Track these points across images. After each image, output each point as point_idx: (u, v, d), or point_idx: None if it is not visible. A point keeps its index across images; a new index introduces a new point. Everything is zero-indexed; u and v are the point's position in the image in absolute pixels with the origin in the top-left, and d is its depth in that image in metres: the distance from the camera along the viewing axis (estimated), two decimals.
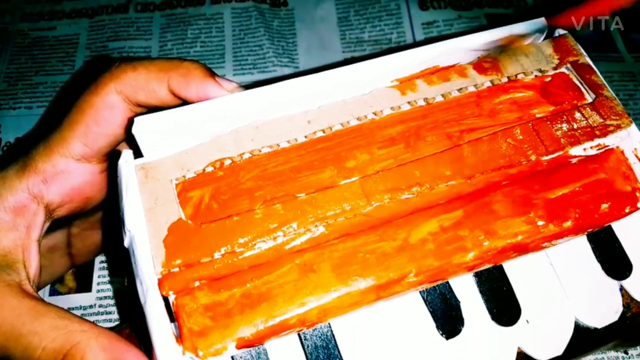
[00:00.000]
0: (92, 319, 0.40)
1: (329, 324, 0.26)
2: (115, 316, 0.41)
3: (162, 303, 0.24)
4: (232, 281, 0.25)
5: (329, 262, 0.25)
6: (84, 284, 0.42)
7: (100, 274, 0.43)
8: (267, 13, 0.58)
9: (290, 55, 0.56)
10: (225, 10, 0.58)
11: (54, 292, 0.41)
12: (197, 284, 0.25)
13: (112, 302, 0.41)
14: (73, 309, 0.41)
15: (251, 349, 0.25)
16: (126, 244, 0.26)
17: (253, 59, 0.55)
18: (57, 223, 0.31)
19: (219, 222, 0.26)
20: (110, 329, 0.27)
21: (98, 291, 0.42)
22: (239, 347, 0.24)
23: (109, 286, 0.42)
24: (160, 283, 0.24)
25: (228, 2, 0.59)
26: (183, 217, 0.26)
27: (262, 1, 0.59)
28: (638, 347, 0.39)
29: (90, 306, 0.41)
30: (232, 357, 0.25)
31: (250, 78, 0.54)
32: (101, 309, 0.41)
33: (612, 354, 0.39)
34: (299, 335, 0.26)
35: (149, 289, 0.24)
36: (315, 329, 0.26)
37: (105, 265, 0.43)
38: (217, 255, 0.25)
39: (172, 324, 0.24)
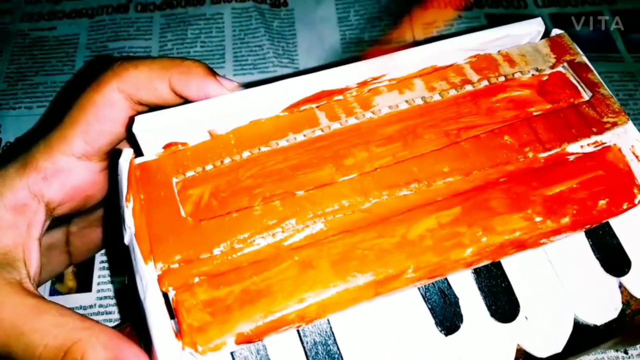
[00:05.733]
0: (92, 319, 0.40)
1: (328, 320, 0.26)
2: (116, 316, 0.41)
3: (162, 299, 0.24)
4: (232, 277, 0.25)
5: (328, 259, 0.25)
6: (84, 284, 0.42)
7: (100, 274, 0.43)
8: (267, 13, 0.59)
9: (290, 56, 0.56)
10: (226, 11, 0.58)
11: (53, 292, 0.41)
12: (196, 280, 0.25)
13: (112, 302, 0.41)
14: (73, 309, 0.40)
15: (250, 344, 0.25)
16: (126, 240, 0.26)
17: (253, 59, 0.55)
18: (56, 221, 0.31)
19: (218, 218, 0.26)
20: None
21: (98, 291, 0.42)
22: (238, 342, 0.24)
23: (109, 286, 0.42)
24: (160, 279, 0.25)
25: (228, 2, 0.59)
26: (183, 214, 0.26)
27: (262, 1, 0.59)
28: (638, 347, 0.39)
29: (91, 306, 0.41)
30: (232, 353, 0.25)
31: (250, 78, 0.54)
32: (101, 309, 0.41)
33: (612, 353, 0.39)
34: (298, 331, 0.26)
35: (148, 285, 0.24)
36: (315, 325, 0.26)
37: (105, 265, 0.43)
38: (216, 251, 0.25)
39: (172, 320, 0.25)
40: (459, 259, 0.26)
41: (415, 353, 0.26)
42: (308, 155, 0.28)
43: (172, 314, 0.24)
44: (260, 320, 0.24)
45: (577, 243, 0.29)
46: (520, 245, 0.27)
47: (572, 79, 0.31)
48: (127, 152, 0.27)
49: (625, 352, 0.39)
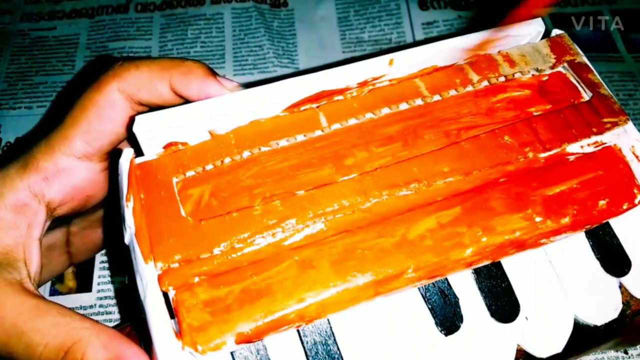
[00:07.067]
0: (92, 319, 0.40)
1: (328, 320, 0.26)
2: (116, 316, 0.41)
3: (162, 298, 0.25)
4: (232, 277, 0.25)
5: (328, 259, 0.25)
6: (84, 284, 0.42)
7: (100, 274, 0.43)
8: (267, 13, 0.59)
9: (290, 56, 0.56)
10: (226, 11, 0.58)
11: (54, 292, 0.41)
12: (196, 279, 0.25)
13: (112, 302, 0.41)
14: (73, 309, 0.40)
15: (250, 344, 0.25)
16: (127, 240, 0.26)
17: (253, 59, 0.55)
18: (56, 221, 0.31)
19: (219, 218, 0.26)
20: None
21: (98, 291, 0.42)
22: (238, 342, 0.24)
23: (109, 286, 0.42)
24: (160, 278, 0.25)
25: (228, 3, 0.59)
26: (183, 213, 0.26)
27: (262, 1, 0.59)
28: (638, 347, 0.39)
29: (91, 306, 0.41)
30: (232, 353, 0.25)
31: (250, 78, 0.54)
32: (101, 309, 0.41)
33: (612, 353, 0.39)
34: (298, 331, 0.26)
35: (148, 284, 0.24)
36: (315, 325, 0.26)
37: (105, 265, 0.43)
38: (216, 251, 0.25)
39: (172, 320, 0.25)
40: (459, 259, 0.26)
41: (415, 353, 0.26)
42: (308, 155, 0.28)
43: (172, 313, 0.24)
44: (260, 320, 0.24)
45: (578, 243, 0.29)
46: (520, 246, 0.27)
47: (572, 79, 0.31)
48: (128, 152, 0.27)
49: (625, 352, 0.39)
